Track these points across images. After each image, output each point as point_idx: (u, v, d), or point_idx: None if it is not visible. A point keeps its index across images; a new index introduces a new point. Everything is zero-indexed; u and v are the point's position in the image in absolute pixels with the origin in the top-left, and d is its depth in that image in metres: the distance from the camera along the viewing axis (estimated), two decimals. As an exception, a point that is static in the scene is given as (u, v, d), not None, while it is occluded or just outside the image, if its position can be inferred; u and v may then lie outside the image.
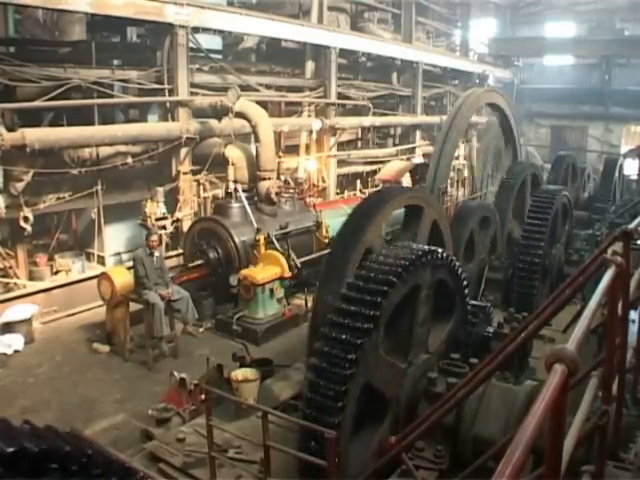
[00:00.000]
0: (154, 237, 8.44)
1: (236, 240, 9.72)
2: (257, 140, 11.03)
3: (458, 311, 5.02)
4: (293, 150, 15.27)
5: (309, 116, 15.48)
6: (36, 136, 8.94)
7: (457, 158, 15.35)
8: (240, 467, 4.82)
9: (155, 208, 10.59)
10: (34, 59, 9.96)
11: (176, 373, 6.40)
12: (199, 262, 9.76)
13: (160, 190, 10.82)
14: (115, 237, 11.55)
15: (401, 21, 19.91)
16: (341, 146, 17.09)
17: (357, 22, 18.80)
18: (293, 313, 9.43)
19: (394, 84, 19.65)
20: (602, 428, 2.66)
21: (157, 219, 10.59)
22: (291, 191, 11.78)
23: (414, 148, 19.63)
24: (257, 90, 13.52)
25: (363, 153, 18.01)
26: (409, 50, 19.01)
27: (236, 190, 10.35)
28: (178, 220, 11.22)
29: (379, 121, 18.19)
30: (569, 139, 26.98)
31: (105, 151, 10.64)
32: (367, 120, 17.54)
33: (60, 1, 9.15)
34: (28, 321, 8.63)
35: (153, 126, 11.49)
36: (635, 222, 3.72)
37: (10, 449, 1.10)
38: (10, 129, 8.86)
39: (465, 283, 4.99)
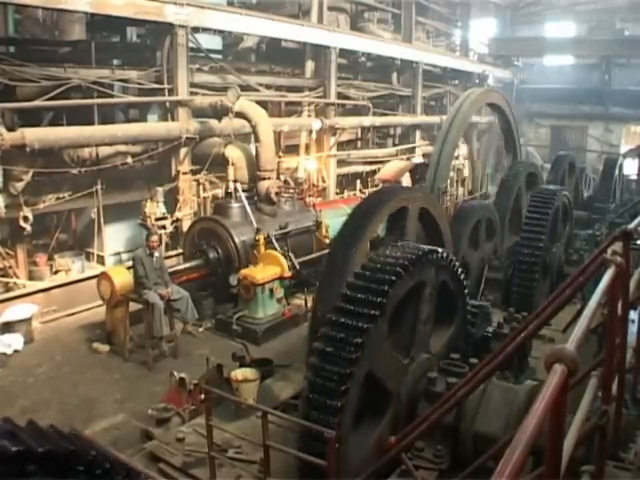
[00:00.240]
0: (154, 237, 8.43)
1: (236, 240, 9.72)
2: (257, 140, 11.02)
3: (459, 316, 5.04)
4: (293, 150, 15.28)
5: (309, 116, 15.48)
6: (36, 136, 8.94)
7: (457, 158, 15.38)
8: (240, 467, 4.82)
9: (155, 208, 10.60)
10: (34, 59, 9.95)
11: (176, 373, 6.40)
12: (199, 262, 9.75)
13: (160, 190, 10.82)
14: (115, 237, 11.55)
15: (401, 21, 19.90)
16: (341, 146, 17.09)
17: (357, 22, 18.80)
18: (293, 313, 9.43)
19: (394, 84, 19.64)
20: (602, 428, 2.67)
21: (157, 219, 10.60)
22: (291, 191, 11.78)
23: (414, 148, 19.63)
24: (257, 90, 13.51)
25: (363, 153, 18.00)
26: (409, 50, 18.99)
27: (236, 190, 10.35)
28: (178, 220, 11.22)
29: (379, 121, 18.19)
30: (569, 139, 26.95)
31: (105, 151, 10.64)
32: (367, 120, 17.54)
33: (60, 1, 9.15)
34: (28, 321, 8.62)
35: (153, 126, 11.49)
36: (635, 222, 3.71)
37: (40, 449, 1.16)
38: (10, 129, 8.86)
39: (466, 291, 5.03)
